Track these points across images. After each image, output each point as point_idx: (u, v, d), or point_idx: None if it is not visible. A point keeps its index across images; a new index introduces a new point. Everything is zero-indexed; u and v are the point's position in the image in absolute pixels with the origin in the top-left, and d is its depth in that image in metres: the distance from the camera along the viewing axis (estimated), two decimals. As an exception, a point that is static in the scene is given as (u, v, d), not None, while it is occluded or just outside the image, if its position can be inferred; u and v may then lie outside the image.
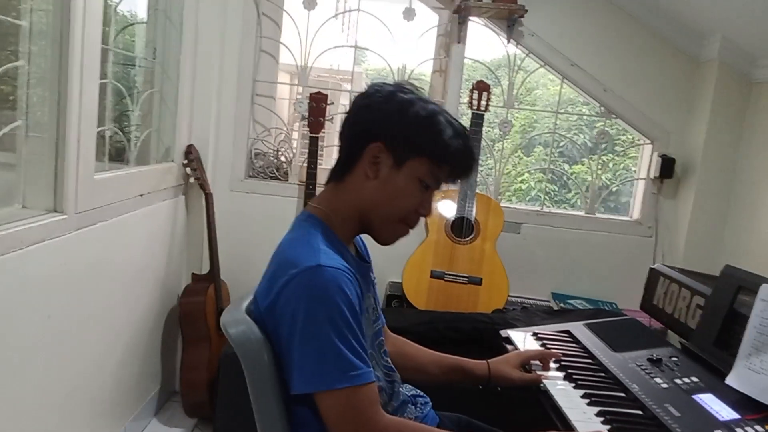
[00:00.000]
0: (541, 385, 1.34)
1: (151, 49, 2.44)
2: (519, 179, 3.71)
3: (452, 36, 2.74)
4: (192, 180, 2.58)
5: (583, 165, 3.04)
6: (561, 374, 1.38)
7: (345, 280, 1.03)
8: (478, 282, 2.50)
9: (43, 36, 1.61)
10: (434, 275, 2.50)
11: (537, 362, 1.44)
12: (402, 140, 1.13)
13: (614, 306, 2.71)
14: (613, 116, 2.80)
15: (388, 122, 1.13)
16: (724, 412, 1.16)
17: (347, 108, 1.23)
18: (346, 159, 1.17)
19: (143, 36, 2.43)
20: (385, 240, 1.20)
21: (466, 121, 2.50)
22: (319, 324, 0.99)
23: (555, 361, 1.44)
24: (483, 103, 2.59)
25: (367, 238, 1.26)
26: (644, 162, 2.88)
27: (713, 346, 1.38)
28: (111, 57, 2.10)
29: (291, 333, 1.01)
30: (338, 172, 1.18)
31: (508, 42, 2.72)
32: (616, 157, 3.23)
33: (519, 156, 3.68)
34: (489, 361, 1.43)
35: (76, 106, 1.68)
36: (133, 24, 2.38)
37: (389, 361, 1.28)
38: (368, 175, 1.14)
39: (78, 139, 1.70)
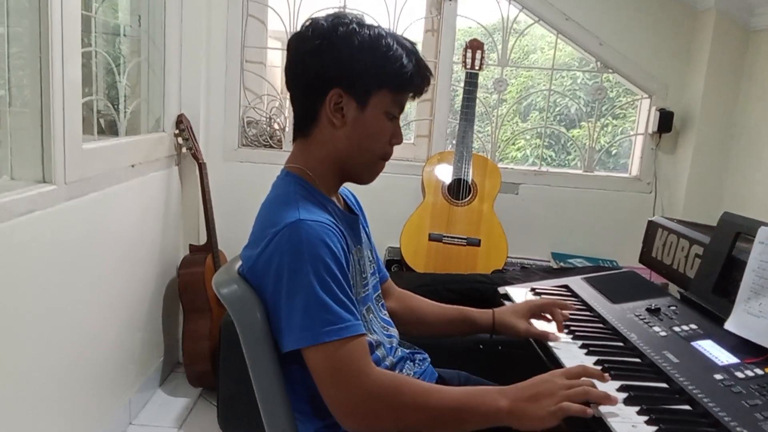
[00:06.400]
0: (550, 344, 1.28)
1: (136, 16, 2.39)
2: (516, 146, 3.66)
3: (443, -6, 2.68)
4: (184, 150, 2.55)
5: (582, 129, 3.00)
6: (559, 326, 1.37)
7: (327, 233, 1.01)
8: (476, 243, 2.49)
9: (20, 2, 1.57)
10: (432, 238, 2.49)
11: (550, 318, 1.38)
12: (359, 80, 1.08)
13: (614, 263, 2.70)
14: (610, 71, 2.75)
15: (340, 64, 1.07)
16: (723, 356, 1.16)
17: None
18: (306, 112, 1.12)
19: (127, 4, 2.38)
20: (367, 181, 1.18)
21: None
22: (303, 278, 0.97)
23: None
24: (477, 61, 2.54)
25: (358, 191, 1.24)
26: (642, 117, 2.84)
27: (712, 293, 1.36)
28: (94, 25, 2.05)
29: (277, 291, 1.00)
30: (302, 127, 1.14)
31: (501, -2, 2.67)
32: (615, 121, 3.18)
33: (516, 122, 3.63)
34: (494, 310, 1.40)
35: (59, 74, 1.64)
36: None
37: (387, 314, 1.27)
38: (335, 123, 1.10)
39: (63, 108, 1.67)
